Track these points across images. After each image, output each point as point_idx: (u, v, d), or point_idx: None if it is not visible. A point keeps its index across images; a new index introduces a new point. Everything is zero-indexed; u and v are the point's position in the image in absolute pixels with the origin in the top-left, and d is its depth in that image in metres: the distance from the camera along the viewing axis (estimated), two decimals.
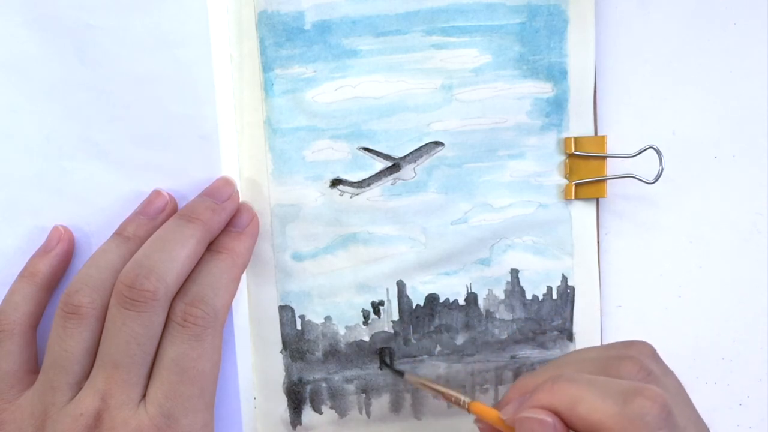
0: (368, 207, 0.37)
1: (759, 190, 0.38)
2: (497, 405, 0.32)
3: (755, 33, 0.38)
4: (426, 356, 0.38)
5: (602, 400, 0.27)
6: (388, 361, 0.38)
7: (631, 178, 0.37)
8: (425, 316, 0.38)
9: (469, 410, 0.32)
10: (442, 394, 0.33)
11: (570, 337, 0.38)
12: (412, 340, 0.38)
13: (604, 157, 0.37)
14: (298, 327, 0.38)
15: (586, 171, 0.37)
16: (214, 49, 0.35)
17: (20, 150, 0.35)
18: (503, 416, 0.30)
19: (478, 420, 0.32)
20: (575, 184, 0.37)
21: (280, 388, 0.38)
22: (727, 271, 0.39)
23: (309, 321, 0.38)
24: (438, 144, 0.37)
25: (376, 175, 0.37)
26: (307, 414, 0.38)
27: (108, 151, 0.35)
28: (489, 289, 0.38)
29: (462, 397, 0.33)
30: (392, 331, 0.38)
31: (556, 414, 0.28)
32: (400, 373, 0.36)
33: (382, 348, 0.38)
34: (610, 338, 0.38)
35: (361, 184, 0.37)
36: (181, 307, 0.32)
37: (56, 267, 0.35)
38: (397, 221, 0.37)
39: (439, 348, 0.38)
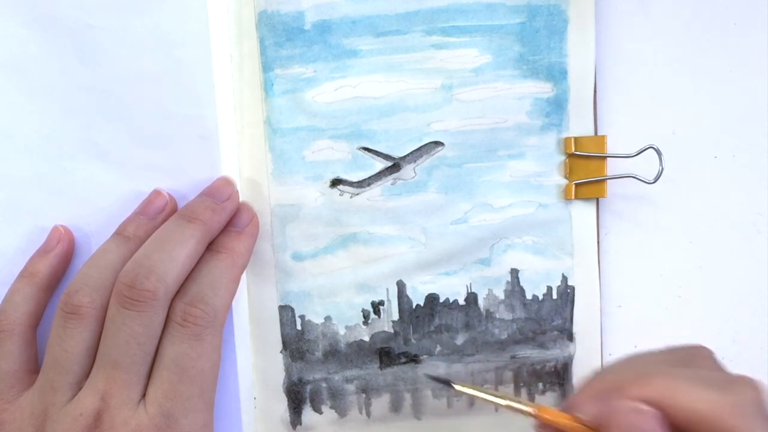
0: (368, 207, 0.37)
1: (759, 190, 0.38)
2: (562, 409, 0.30)
3: (755, 33, 0.38)
4: (426, 356, 0.38)
5: (701, 390, 0.27)
6: (431, 374, 0.37)
7: (631, 178, 0.37)
8: (425, 316, 0.38)
9: (537, 418, 0.30)
10: (502, 405, 0.31)
11: (570, 337, 0.38)
12: (412, 340, 0.38)
13: (604, 157, 0.37)
14: (298, 327, 0.38)
15: (586, 171, 0.37)
16: (214, 49, 0.35)
17: (20, 150, 0.35)
18: (583, 416, 0.29)
19: (542, 426, 0.30)
20: (575, 184, 0.37)
21: (280, 388, 0.38)
22: (727, 271, 0.39)
23: (309, 321, 0.38)
24: (438, 144, 0.37)
25: (376, 175, 0.37)
26: (307, 414, 0.38)
27: (108, 151, 0.35)
28: (489, 289, 0.38)
29: (525, 407, 0.31)
30: (392, 331, 0.38)
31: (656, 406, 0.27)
32: (447, 383, 0.34)
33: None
34: (610, 338, 0.38)
35: (361, 184, 0.37)
36: (181, 307, 0.32)
37: (56, 267, 0.35)
38: (397, 221, 0.37)
39: (439, 348, 0.38)
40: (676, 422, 0.27)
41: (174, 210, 0.35)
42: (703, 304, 0.39)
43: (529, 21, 0.36)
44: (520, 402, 0.31)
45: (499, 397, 0.31)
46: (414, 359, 0.38)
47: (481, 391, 0.32)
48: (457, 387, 0.33)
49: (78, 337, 0.32)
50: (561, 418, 0.30)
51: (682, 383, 0.27)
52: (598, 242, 0.38)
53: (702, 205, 0.38)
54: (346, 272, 0.37)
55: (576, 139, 0.37)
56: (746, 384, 0.27)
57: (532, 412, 0.30)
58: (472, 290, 0.38)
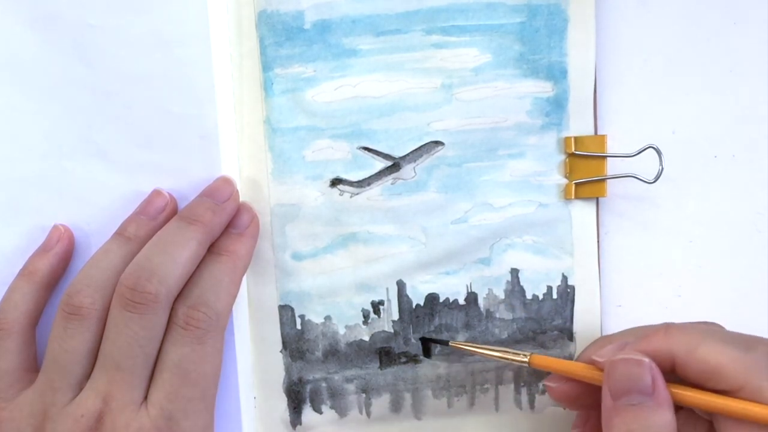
0: (368, 206, 0.37)
1: (759, 190, 0.38)
2: (581, 358, 0.33)
3: (755, 33, 0.38)
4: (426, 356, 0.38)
5: (723, 345, 0.28)
6: (427, 336, 0.38)
7: (631, 178, 0.37)
8: (425, 316, 0.38)
9: (529, 364, 0.33)
10: (494, 356, 0.34)
11: (570, 336, 0.38)
12: (412, 340, 0.38)
13: (604, 157, 0.37)
14: (298, 327, 0.38)
15: (586, 170, 0.37)
16: (214, 48, 0.35)
17: (20, 150, 0.35)
18: (600, 358, 0.31)
19: (551, 379, 0.33)
20: (575, 183, 0.37)
21: (280, 388, 0.38)
22: (727, 271, 0.39)
23: (309, 321, 0.38)
24: (438, 143, 0.37)
25: (376, 174, 0.37)
26: (307, 414, 0.38)
27: (108, 151, 0.35)
28: (489, 289, 0.38)
29: (518, 356, 0.34)
30: (392, 331, 0.38)
31: (671, 358, 0.29)
32: (445, 342, 0.37)
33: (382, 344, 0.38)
34: None
35: (361, 184, 0.37)
36: (183, 310, 0.32)
37: (56, 266, 0.35)
38: (397, 221, 0.37)
39: (439, 347, 0.38)
40: (688, 374, 0.29)
41: (174, 210, 0.35)
42: (703, 304, 0.39)
43: (529, 20, 0.36)
44: (512, 352, 0.34)
45: (491, 349, 0.35)
46: (414, 359, 0.38)
47: (475, 346, 0.35)
48: (452, 343, 0.36)
49: (79, 337, 0.32)
50: (553, 363, 0.33)
51: (705, 338, 0.29)
52: (598, 242, 0.38)
53: (702, 205, 0.38)
54: (346, 272, 0.37)
55: (576, 138, 0.37)
56: (766, 344, 0.28)
57: (525, 360, 0.33)
58: (472, 290, 0.38)
